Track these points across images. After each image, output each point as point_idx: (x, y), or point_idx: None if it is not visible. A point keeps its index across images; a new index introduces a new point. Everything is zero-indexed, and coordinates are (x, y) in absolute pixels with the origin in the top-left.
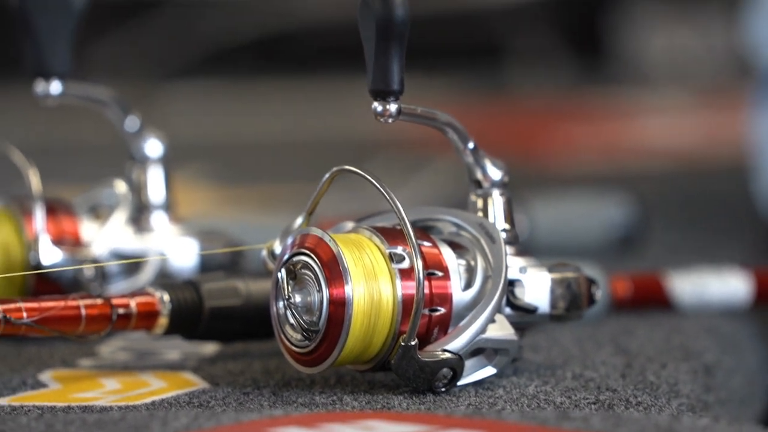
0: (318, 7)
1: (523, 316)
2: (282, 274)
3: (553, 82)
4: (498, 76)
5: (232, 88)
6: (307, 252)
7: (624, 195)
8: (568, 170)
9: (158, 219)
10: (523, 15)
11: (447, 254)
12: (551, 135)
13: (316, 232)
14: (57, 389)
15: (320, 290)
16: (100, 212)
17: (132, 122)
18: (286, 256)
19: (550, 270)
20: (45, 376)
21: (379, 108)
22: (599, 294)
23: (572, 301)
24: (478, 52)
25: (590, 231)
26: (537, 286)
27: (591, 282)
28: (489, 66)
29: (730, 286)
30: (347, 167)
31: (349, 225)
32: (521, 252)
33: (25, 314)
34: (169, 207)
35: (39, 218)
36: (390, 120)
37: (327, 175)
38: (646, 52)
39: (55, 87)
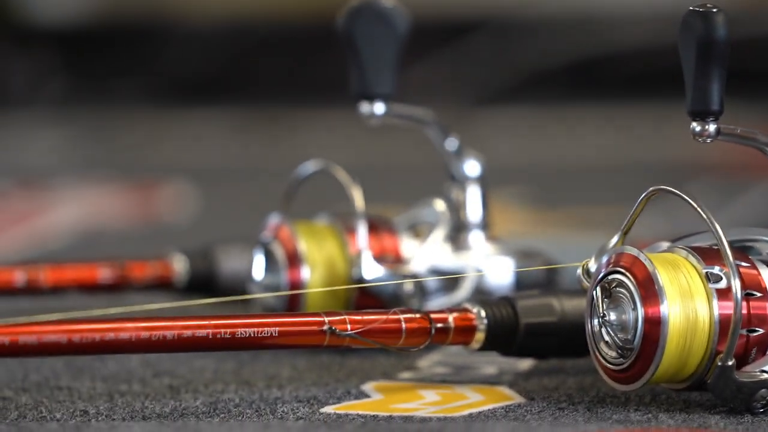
0: (631, 31)
1: None
2: (597, 292)
3: None
4: None
5: (547, 113)
6: (623, 271)
7: None
8: None
9: (476, 237)
10: None
11: (766, 275)
12: None
13: (632, 251)
14: (379, 399)
15: (635, 309)
16: (419, 230)
17: (451, 143)
18: (601, 275)
19: None
20: (367, 386)
21: (698, 128)
22: None
23: None
24: None
25: None
26: None
27: None
28: None
29: None
30: (664, 187)
31: (665, 245)
32: None
33: (349, 326)
34: (486, 226)
35: (362, 235)
36: (708, 140)
37: (643, 195)
38: None
39: (379, 108)
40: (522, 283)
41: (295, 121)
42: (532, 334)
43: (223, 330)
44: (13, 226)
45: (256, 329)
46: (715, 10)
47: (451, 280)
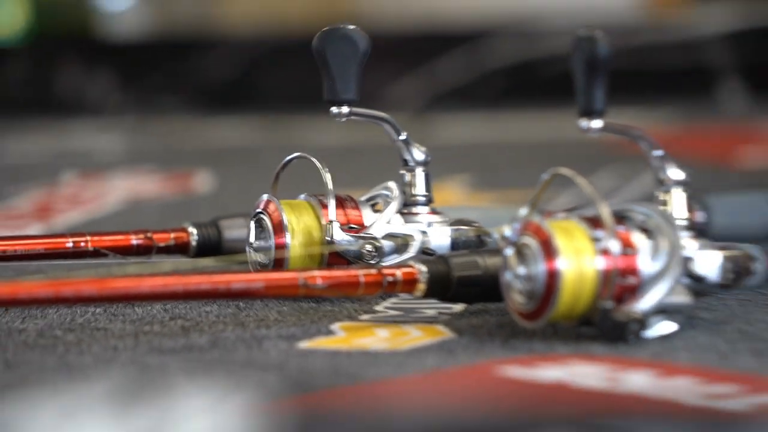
0: (559, 40)
1: (698, 285)
2: (510, 251)
3: (747, 111)
4: (698, 103)
5: (490, 111)
6: (530, 234)
7: None
8: (747, 176)
9: (421, 210)
10: (723, 48)
11: (637, 237)
12: (739, 149)
13: (536, 219)
14: (342, 336)
15: (539, 264)
16: (378, 205)
17: (403, 137)
18: (513, 238)
19: (721, 249)
20: (334, 326)
21: (584, 124)
22: (758, 268)
23: (737, 273)
24: (689, 79)
25: (756, 221)
26: (710, 262)
27: (752, 259)
28: (695, 91)
29: None
30: (562, 170)
31: (562, 214)
32: (697, 236)
33: (319, 281)
34: (429, 201)
35: (332, 209)
36: (595, 133)
37: (546, 176)
38: None
39: (345, 110)
40: (456, 244)
41: (295, 123)
42: (462, 285)
43: (222, 283)
44: (78, 205)
45: (247, 283)
46: (598, 34)
47: (401, 243)
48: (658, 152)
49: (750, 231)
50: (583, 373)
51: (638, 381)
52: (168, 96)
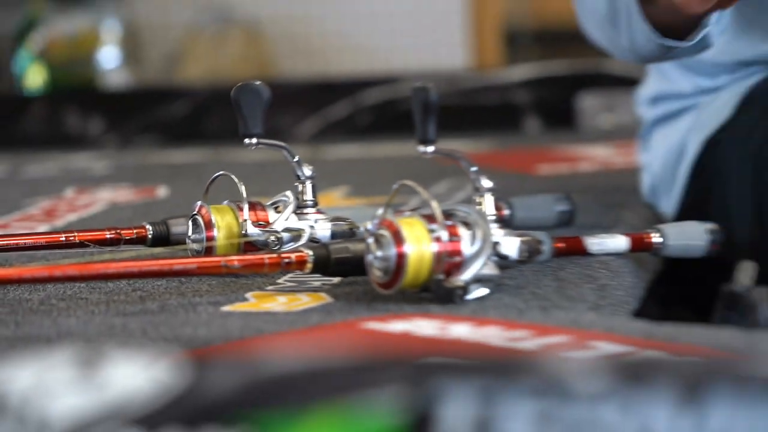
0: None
1: (503, 261)
2: (371, 240)
3: (542, 137)
4: (508, 132)
5: (364, 142)
6: (385, 228)
7: (564, 195)
8: (541, 183)
9: (310, 211)
10: (526, 93)
11: (461, 228)
12: (536, 165)
13: (389, 217)
14: (254, 302)
15: (391, 249)
16: (279, 207)
17: (296, 158)
18: (373, 230)
19: (519, 236)
20: (248, 294)
21: (421, 149)
22: (545, 249)
23: (530, 252)
24: (500, 116)
25: (546, 215)
26: (511, 245)
27: (541, 242)
28: (506, 124)
29: (618, 242)
30: (407, 182)
31: (408, 213)
32: (503, 227)
33: (236, 263)
34: (315, 204)
35: (246, 211)
36: (429, 156)
37: (395, 186)
38: (595, 123)
39: (254, 141)
40: (335, 235)
41: (227, 149)
42: (338, 264)
43: (167, 265)
44: (74, 210)
45: (185, 265)
46: (429, 85)
47: (295, 234)
48: (474, 168)
49: (541, 222)
50: (422, 325)
51: (461, 330)
52: (141, 133)
